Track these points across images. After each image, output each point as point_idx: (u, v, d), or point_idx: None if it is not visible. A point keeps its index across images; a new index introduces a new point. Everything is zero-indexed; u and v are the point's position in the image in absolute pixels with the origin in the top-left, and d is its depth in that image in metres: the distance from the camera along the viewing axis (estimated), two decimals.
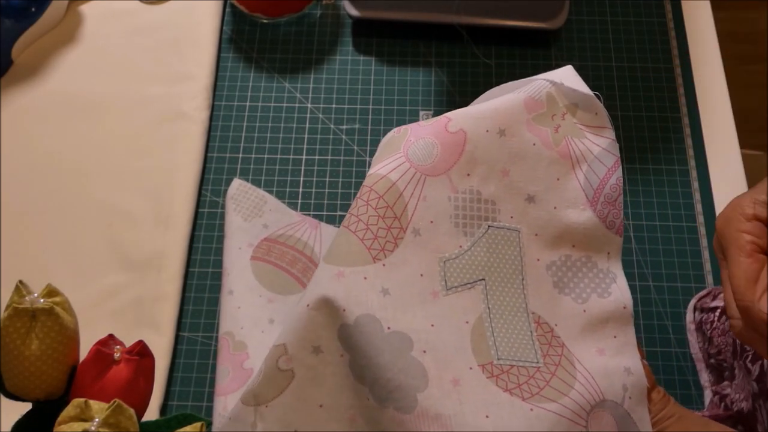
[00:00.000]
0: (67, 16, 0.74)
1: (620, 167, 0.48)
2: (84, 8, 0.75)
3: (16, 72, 0.71)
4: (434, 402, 0.41)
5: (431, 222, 0.45)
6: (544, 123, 0.48)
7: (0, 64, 0.70)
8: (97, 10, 0.75)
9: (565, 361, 0.44)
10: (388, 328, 0.42)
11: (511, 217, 0.47)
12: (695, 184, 0.67)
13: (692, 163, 0.68)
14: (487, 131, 0.47)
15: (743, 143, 0.71)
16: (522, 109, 0.48)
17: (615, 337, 0.46)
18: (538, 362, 0.44)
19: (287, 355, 0.42)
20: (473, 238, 0.46)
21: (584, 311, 0.46)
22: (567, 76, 0.49)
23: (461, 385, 0.42)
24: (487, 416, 0.41)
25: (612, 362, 0.45)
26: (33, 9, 0.71)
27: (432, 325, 0.43)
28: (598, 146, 0.48)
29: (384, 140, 0.48)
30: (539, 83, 0.48)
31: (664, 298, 0.62)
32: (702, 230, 0.65)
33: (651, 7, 0.76)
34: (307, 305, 0.42)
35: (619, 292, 0.47)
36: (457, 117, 0.47)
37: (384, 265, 0.43)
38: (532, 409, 0.42)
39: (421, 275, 0.44)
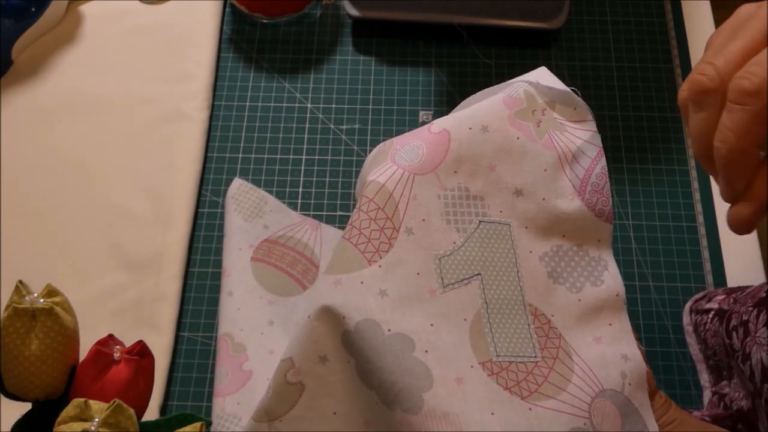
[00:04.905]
0: (67, 16, 0.74)
1: (603, 157, 0.48)
2: (84, 8, 0.75)
3: (16, 72, 0.71)
4: (441, 401, 0.41)
5: (423, 220, 0.45)
6: (525, 118, 0.48)
7: (0, 64, 0.70)
8: (97, 10, 0.75)
9: (563, 354, 0.45)
10: (389, 330, 0.42)
11: (501, 212, 0.47)
12: (695, 184, 0.67)
13: (692, 163, 0.68)
14: (470, 129, 0.47)
15: None
16: (502, 107, 0.48)
17: (610, 324, 0.46)
18: (535, 356, 0.44)
19: (295, 368, 0.42)
20: (466, 234, 0.46)
21: (579, 300, 0.47)
22: (542, 75, 0.50)
23: (464, 383, 0.42)
24: (492, 413, 0.41)
25: (609, 350, 0.45)
26: (33, 9, 0.71)
27: (431, 325, 0.43)
28: (580, 139, 0.49)
29: (370, 156, 0.49)
30: (516, 84, 0.49)
31: (664, 298, 0.62)
32: (702, 230, 0.65)
33: (651, 7, 0.76)
34: (309, 316, 0.43)
35: (611, 279, 0.47)
36: (439, 121, 0.48)
37: (380, 266, 0.44)
38: (530, 409, 0.42)
39: (418, 274, 0.44)
